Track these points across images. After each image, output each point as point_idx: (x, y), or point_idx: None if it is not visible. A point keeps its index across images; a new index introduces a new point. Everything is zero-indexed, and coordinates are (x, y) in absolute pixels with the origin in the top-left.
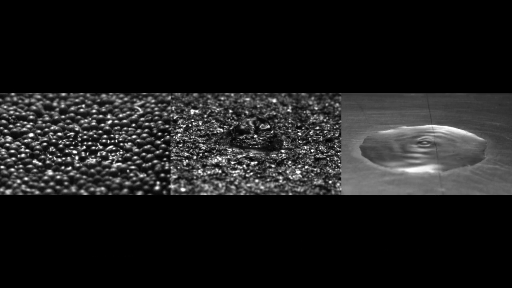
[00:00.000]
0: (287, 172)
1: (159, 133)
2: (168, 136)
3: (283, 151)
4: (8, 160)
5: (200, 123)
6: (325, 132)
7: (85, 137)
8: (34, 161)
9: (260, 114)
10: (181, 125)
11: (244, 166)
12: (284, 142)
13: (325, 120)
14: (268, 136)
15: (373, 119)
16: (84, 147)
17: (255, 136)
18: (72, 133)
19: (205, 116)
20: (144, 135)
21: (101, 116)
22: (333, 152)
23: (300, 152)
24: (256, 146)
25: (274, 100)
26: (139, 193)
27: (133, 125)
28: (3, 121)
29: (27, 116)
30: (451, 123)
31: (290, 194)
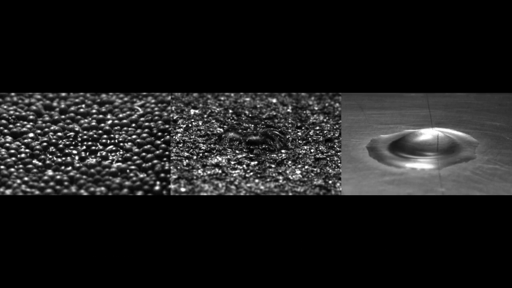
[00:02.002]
0: (287, 172)
1: (159, 133)
2: (168, 136)
3: (283, 151)
4: (8, 160)
5: (200, 123)
6: (325, 132)
7: (85, 137)
8: (34, 161)
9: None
10: (181, 125)
11: (244, 166)
12: (287, 142)
13: (325, 120)
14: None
15: (373, 119)
16: (84, 147)
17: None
18: (72, 133)
19: (205, 116)
20: (144, 135)
21: (101, 116)
22: (333, 152)
23: (300, 152)
24: (257, 146)
25: (274, 100)
26: (139, 193)
27: (133, 125)
28: (3, 121)
29: (27, 116)
30: (451, 123)
31: (290, 194)
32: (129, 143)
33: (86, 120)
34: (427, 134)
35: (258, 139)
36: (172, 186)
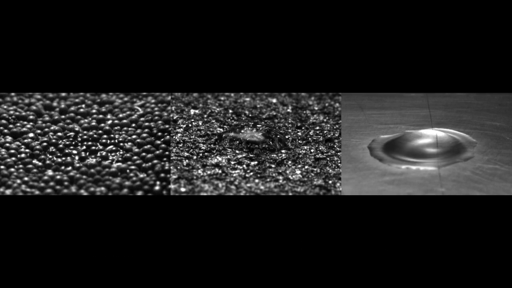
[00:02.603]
0: (287, 172)
1: (159, 133)
2: (168, 136)
3: (283, 151)
4: (8, 160)
5: (200, 123)
6: (325, 132)
7: (85, 137)
8: (34, 161)
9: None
10: (181, 125)
11: (244, 166)
12: (287, 142)
13: (325, 120)
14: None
15: (373, 119)
16: (84, 147)
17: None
18: (72, 133)
19: (205, 116)
20: (144, 135)
21: (101, 116)
22: (333, 152)
23: (300, 152)
24: (256, 146)
25: (274, 100)
26: (139, 193)
27: (133, 125)
28: (3, 121)
29: (27, 116)
30: (451, 123)
31: (290, 194)
32: (129, 143)
33: (86, 120)
34: (427, 135)
35: (258, 139)
36: (172, 186)
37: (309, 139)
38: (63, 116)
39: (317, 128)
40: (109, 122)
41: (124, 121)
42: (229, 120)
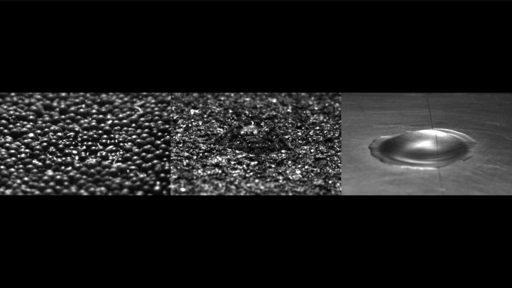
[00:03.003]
0: (287, 172)
1: (159, 133)
2: (168, 136)
3: (283, 151)
4: (8, 160)
5: (200, 123)
6: (325, 132)
7: (85, 137)
8: (34, 161)
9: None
10: (181, 125)
11: (244, 166)
12: (286, 142)
13: (325, 120)
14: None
15: (373, 119)
16: (84, 147)
17: (255, 132)
18: (72, 133)
19: (205, 116)
20: (144, 135)
21: (101, 116)
22: (333, 152)
23: (300, 152)
24: (256, 145)
25: (274, 100)
26: (139, 193)
27: (133, 125)
28: (3, 121)
29: (27, 116)
30: (451, 123)
31: (290, 194)
32: (129, 143)
33: (86, 120)
34: (427, 136)
35: (257, 139)
36: (172, 186)
37: (309, 139)
38: (63, 116)
39: (317, 128)
40: (109, 122)
41: (124, 121)
42: (229, 120)
